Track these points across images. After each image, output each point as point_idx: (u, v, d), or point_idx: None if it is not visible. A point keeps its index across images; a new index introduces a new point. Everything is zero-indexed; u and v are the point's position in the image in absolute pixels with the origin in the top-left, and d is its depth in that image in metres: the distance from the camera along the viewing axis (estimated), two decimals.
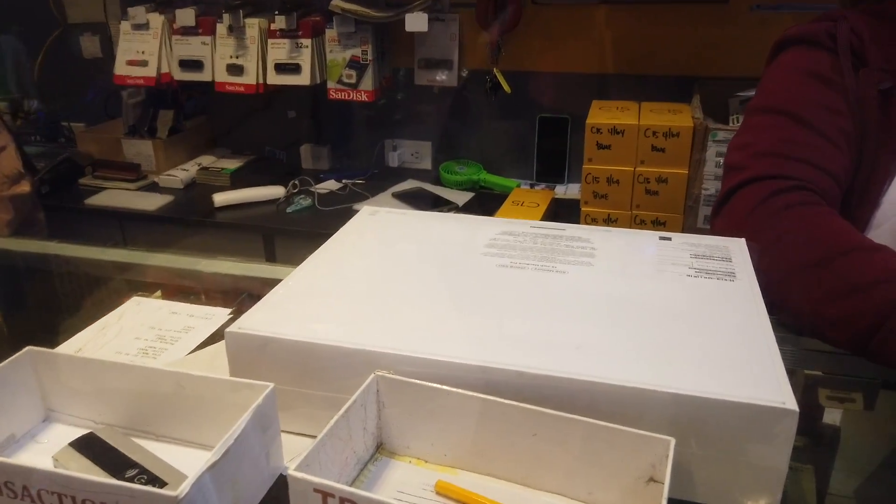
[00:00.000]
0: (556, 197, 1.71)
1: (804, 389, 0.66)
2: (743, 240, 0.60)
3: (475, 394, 0.42)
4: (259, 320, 0.48)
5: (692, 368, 0.42)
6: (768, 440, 0.39)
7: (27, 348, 0.47)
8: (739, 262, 0.57)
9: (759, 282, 0.53)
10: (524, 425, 0.41)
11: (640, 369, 0.42)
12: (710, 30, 1.63)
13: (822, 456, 0.57)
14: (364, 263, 0.57)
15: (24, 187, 1.34)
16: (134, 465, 0.42)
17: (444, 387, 0.43)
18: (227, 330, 0.47)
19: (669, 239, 0.61)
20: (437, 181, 1.88)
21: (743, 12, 1.59)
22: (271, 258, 1.68)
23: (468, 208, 1.69)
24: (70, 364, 0.47)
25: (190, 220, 1.74)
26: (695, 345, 0.45)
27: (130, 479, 0.41)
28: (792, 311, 0.62)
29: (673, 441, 0.38)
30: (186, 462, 0.43)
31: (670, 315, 0.49)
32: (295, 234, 1.66)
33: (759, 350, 0.44)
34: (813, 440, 0.60)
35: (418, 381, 0.43)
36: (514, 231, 0.63)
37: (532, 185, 1.84)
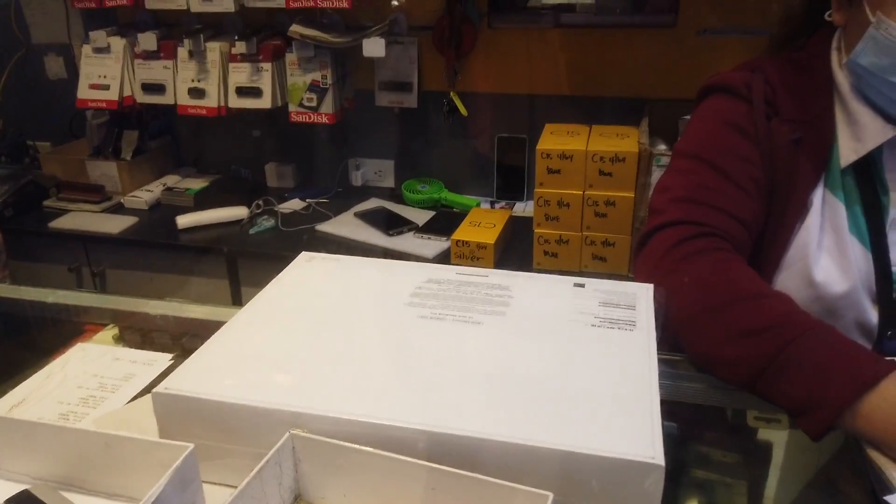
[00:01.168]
0: (514, 215, 1.75)
1: (734, 410, 0.71)
2: (651, 286, 0.65)
3: (379, 451, 0.46)
4: (185, 380, 0.52)
5: (575, 424, 0.46)
6: (638, 493, 0.43)
7: None
8: (643, 310, 0.61)
9: (667, 324, 0.57)
10: (423, 480, 0.45)
11: (530, 426, 0.46)
12: (659, 53, 1.68)
13: (755, 471, 0.62)
14: (291, 318, 0.61)
15: None
16: None
17: (352, 445, 0.46)
18: (154, 391, 0.51)
19: (583, 286, 0.66)
20: (401, 199, 1.92)
21: (690, 37, 1.65)
22: (234, 280, 1.71)
23: (428, 228, 1.73)
24: (5, 425, 0.50)
25: (154, 242, 1.76)
26: (582, 400, 0.49)
27: None
28: (694, 351, 0.67)
29: (551, 496, 0.42)
30: None
31: (566, 369, 0.53)
32: (257, 256, 1.69)
33: (639, 404, 0.48)
34: (746, 456, 0.65)
35: (329, 440, 0.47)
36: (440, 279, 0.67)
37: (492, 203, 1.88)
